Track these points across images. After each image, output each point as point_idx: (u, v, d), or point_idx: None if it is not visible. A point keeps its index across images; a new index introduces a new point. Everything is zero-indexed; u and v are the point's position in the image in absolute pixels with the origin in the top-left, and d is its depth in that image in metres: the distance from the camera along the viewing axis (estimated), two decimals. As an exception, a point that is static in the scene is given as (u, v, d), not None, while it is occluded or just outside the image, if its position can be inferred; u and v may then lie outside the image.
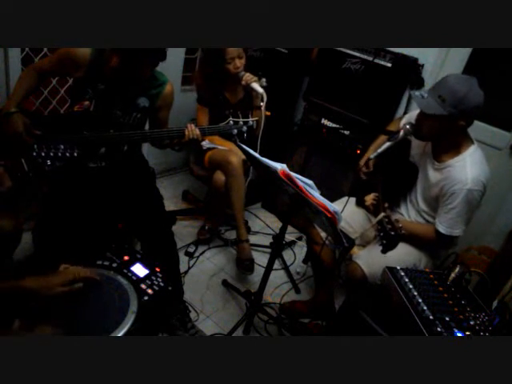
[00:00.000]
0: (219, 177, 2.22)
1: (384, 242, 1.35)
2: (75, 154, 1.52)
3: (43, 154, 1.51)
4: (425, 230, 1.66)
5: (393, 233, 1.32)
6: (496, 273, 1.89)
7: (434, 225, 1.63)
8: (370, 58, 2.42)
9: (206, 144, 2.35)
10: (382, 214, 1.41)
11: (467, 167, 1.52)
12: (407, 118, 1.82)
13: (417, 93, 1.52)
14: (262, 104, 2.12)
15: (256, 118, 1.70)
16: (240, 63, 2.13)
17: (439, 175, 1.61)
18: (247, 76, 2.12)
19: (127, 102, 1.63)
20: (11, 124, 1.48)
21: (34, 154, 1.51)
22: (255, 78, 2.14)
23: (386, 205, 1.49)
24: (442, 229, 1.59)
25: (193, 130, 1.59)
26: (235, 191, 2.17)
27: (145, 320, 1.23)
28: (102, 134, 1.58)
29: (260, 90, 2.12)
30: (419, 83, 2.47)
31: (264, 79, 2.28)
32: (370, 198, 1.69)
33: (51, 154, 1.52)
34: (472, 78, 1.47)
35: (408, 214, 1.79)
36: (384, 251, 1.36)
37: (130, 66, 1.50)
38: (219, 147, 2.30)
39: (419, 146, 1.74)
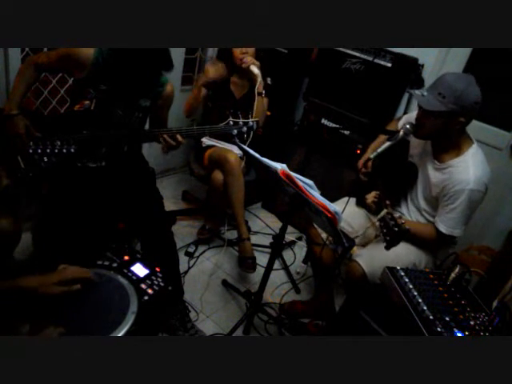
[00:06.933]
0: (218, 176, 2.22)
1: (387, 238, 1.36)
2: (72, 150, 1.52)
3: (39, 151, 1.51)
4: (425, 229, 1.66)
5: (396, 228, 1.33)
6: (496, 273, 1.89)
7: (434, 224, 1.63)
8: (370, 58, 2.43)
9: (206, 141, 2.36)
10: (385, 211, 1.41)
11: (469, 168, 1.53)
12: (406, 118, 1.83)
13: (417, 91, 1.53)
14: (258, 86, 2.19)
15: (256, 119, 1.70)
16: (247, 53, 2.22)
17: (440, 175, 1.61)
18: (248, 58, 2.20)
19: (129, 103, 1.63)
20: (13, 126, 1.48)
21: (31, 150, 1.51)
22: (254, 61, 2.20)
23: (388, 202, 1.49)
24: (443, 228, 1.59)
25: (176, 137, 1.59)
26: (234, 190, 2.17)
27: (145, 320, 1.23)
28: (100, 134, 1.57)
29: (256, 71, 2.18)
30: (419, 83, 2.47)
31: (269, 78, 2.36)
32: (371, 196, 1.69)
33: (47, 151, 1.52)
34: (469, 76, 1.49)
35: (409, 214, 1.79)
36: (388, 247, 1.37)
37: (137, 79, 1.54)
38: (219, 144, 2.30)
39: (418, 146, 1.75)
